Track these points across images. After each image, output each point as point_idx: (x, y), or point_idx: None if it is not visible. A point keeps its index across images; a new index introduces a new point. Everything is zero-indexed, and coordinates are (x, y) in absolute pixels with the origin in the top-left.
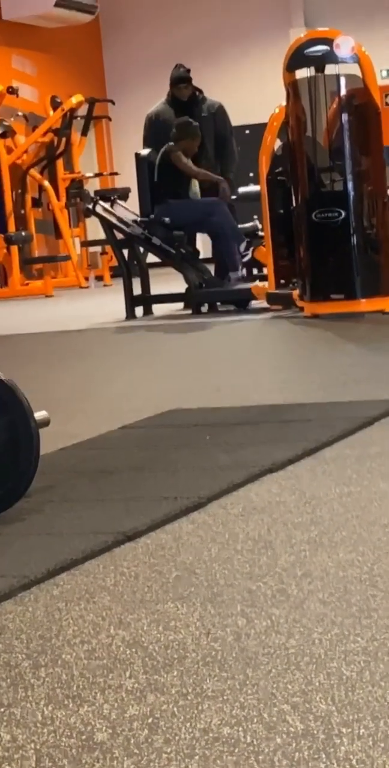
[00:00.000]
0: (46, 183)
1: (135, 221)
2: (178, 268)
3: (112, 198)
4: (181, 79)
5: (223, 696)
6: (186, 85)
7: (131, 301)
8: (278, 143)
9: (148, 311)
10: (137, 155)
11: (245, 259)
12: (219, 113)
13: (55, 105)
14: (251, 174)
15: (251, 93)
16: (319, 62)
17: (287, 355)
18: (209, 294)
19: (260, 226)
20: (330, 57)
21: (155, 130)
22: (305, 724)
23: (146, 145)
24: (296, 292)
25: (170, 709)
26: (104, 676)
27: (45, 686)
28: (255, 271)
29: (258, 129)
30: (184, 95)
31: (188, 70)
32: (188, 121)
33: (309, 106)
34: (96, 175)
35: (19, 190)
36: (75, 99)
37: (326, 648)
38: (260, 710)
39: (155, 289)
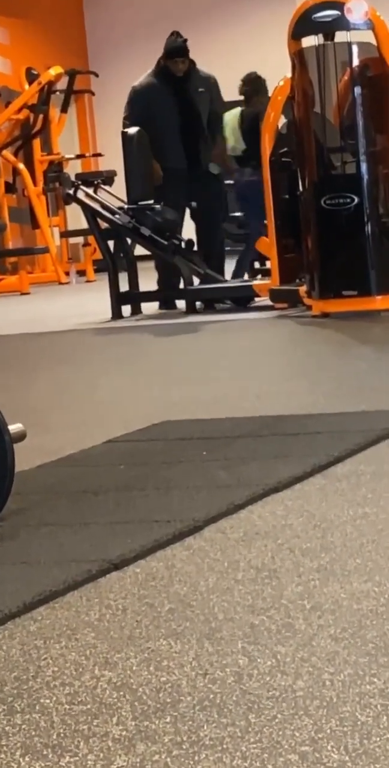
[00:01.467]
0: (21, 166)
1: (122, 209)
2: (170, 262)
3: (95, 182)
4: (178, 51)
5: (222, 745)
6: (183, 59)
7: (118, 299)
8: (282, 120)
9: (136, 310)
10: (124, 134)
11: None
12: (214, 88)
13: (31, 78)
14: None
15: (251, 64)
16: (328, 29)
17: (293, 360)
18: (205, 291)
19: None
20: (341, 23)
21: (140, 107)
22: None
23: (129, 122)
24: (303, 289)
25: (162, 760)
26: (87, 723)
27: (21, 734)
28: (257, 265)
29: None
30: (180, 70)
31: (185, 40)
32: (259, 76)
33: (317, 78)
34: (77, 157)
35: None
36: (53, 71)
37: (338, 690)
38: (265, 761)
39: (145, 286)
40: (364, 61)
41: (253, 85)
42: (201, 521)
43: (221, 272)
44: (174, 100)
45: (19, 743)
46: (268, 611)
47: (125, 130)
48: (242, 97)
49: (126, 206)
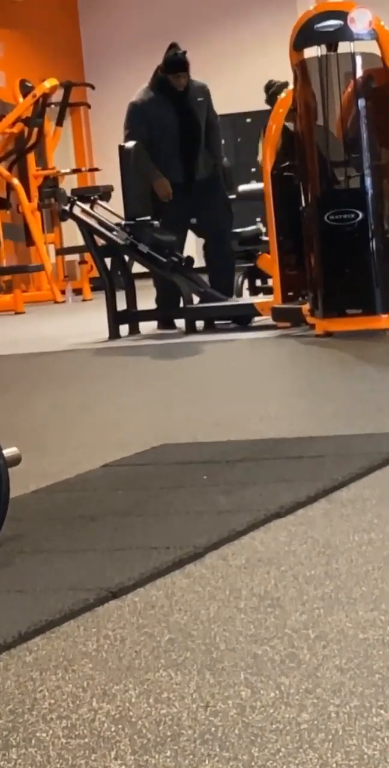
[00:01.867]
0: (15, 181)
1: (119, 225)
2: (169, 280)
3: (92, 198)
4: (179, 65)
5: None
6: (185, 73)
7: (115, 318)
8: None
9: (134, 330)
10: (121, 147)
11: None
12: (208, 97)
13: (26, 90)
14: (253, 169)
15: (252, 76)
16: (331, 39)
17: (296, 380)
18: (205, 309)
19: (264, 230)
20: (344, 33)
21: (140, 122)
22: None
23: (131, 139)
24: (306, 307)
25: None
26: (85, 757)
27: None
28: (259, 283)
29: (261, 117)
30: (181, 84)
31: (185, 53)
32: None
33: (319, 90)
34: (73, 172)
35: None
36: (48, 83)
37: (344, 723)
38: None
39: (143, 304)
40: (368, 72)
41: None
42: (202, 548)
43: (230, 289)
44: (174, 113)
45: None
46: (271, 641)
47: (123, 144)
48: (241, 110)
49: (124, 222)
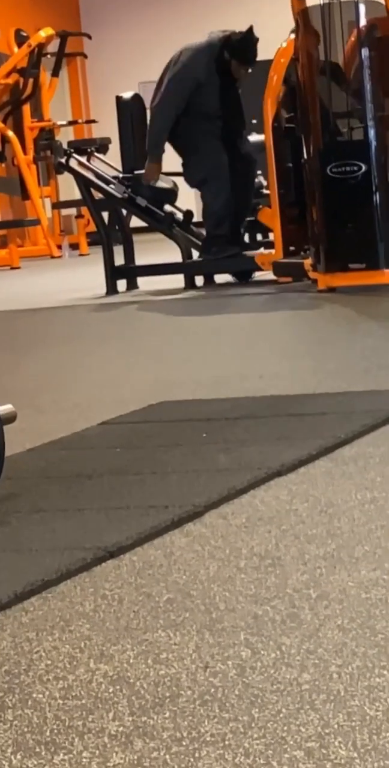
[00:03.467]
0: (10, 133)
1: (117, 178)
2: (168, 235)
3: (89, 150)
4: (249, 60)
5: (224, 741)
6: (248, 68)
7: (113, 274)
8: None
9: (132, 285)
10: (119, 99)
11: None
12: None
13: (21, 40)
14: (254, 120)
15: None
16: None
17: (297, 337)
18: (204, 264)
19: (265, 183)
20: None
21: (186, 90)
22: None
23: (176, 94)
24: (308, 262)
25: (161, 757)
26: (82, 719)
27: (13, 731)
28: (259, 237)
29: (263, 67)
30: (241, 77)
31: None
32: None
33: (322, 39)
34: (69, 123)
35: None
36: (44, 32)
37: (346, 683)
38: (269, 757)
39: (141, 259)
40: (372, 21)
41: None
42: (201, 507)
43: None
44: (220, 98)
45: (11, 740)
46: (272, 601)
47: (119, 95)
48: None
49: (121, 175)
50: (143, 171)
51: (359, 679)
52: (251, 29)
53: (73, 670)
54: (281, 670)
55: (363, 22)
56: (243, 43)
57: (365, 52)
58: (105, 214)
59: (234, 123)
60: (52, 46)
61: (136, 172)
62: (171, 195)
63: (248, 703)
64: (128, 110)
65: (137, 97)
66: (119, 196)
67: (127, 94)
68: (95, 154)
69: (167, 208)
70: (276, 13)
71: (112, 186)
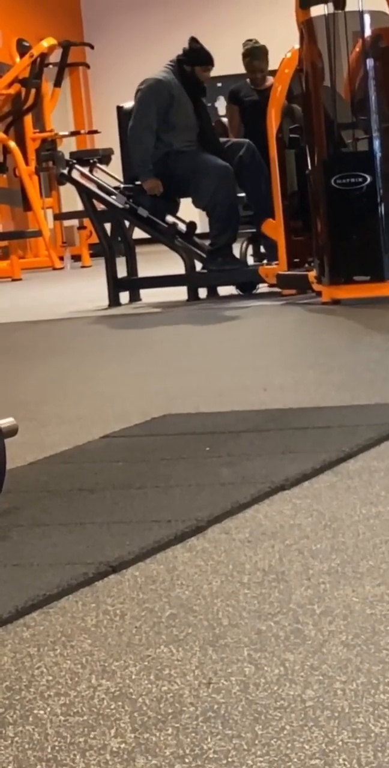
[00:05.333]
0: (12, 144)
1: (118, 188)
2: (171, 246)
3: (91, 161)
4: (209, 59)
5: (227, 758)
6: (212, 68)
7: (115, 285)
8: None
9: (135, 297)
10: (120, 109)
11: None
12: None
13: (23, 50)
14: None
15: (257, 34)
16: None
17: (301, 349)
18: (207, 276)
19: None
20: None
21: (159, 99)
22: None
23: (146, 114)
24: (312, 274)
25: None
26: (84, 735)
27: (13, 748)
28: (263, 249)
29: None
30: (207, 79)
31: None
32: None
33: (327, 50)
34: (72, 134)
35: None
36: (46, 42)
37: (350, 700)
38: None
39: (144, 271)
40: (377, 31)
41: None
42: (204, 521)
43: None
44: (192, 107)
45: (12, 757)
46: (275, 616)
47: (121, 104)
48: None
49: (122, 186)
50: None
51: (364, 696)
52: (192, 39)
53: (74, 686)
54: (284, 687)
55: (367, 32)
56: (195, 50)
57: (370, 62)
58: (108, 226)
59: (210, 134)
60: (55, 56)
61: (137, 182)
62: (173, 205)
63: (252, 719)
64: (129, 120)
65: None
66: (120, 206)
67: (128, 104)
68: (98, 165)
69: (170, 219)
70: (280, 23)
71: (113, 197)
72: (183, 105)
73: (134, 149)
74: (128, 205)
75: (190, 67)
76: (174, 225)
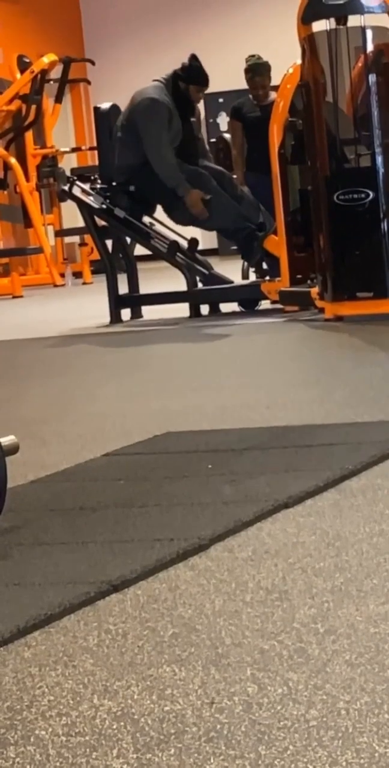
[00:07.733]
0: (12, 160)
1: (94, 188)
2: (173, 263)
3: (92, 177)
4: (206, 82)
5: None
6: (205, 89)
7: (116, 302)
8: None
9: (136, 314)
10: (97, 109)
11: None
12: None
13: (24, 66)
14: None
15: (259, 50)
16: (341, 12)
17: (304, 366)
18: (209, 293)
19: None
20: (354, 6)
21: (166, 122)
22: None
23: (160, 134)
24: (315, 290)
25: None
26: (86, 756)
27: None
28: (265, 266)
29: None
30: (199, 100)
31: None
32: None
33: (329, 65)
34: (73, 150)
35: None
36: (47, 59)
37: (354, 720)
38: None
39: (145, 288)
40: (379, 46)
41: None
42: (207, 539)
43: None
44: (182, 125)
45: None
46: (279, 635)
47: (97, 105)
48: (246, 86)
49: (99, 186)
50: (120, 182)
51: (367, 716)
52: (193, 56)
53: (76, 706)
54: (288, 707)
55: (370, 47)
56: (195, 69)
57: (372, 78)
58: (109, 242)
59: (193, 149)
60: (55, 72)
61: (113, 183)
62: (149, 207)
63: (255, 740)
64: (106, 121)
65: (115, 108)
66: (96, 206)
67: (105, 105)
68: (98, 181)
69: (171, 235)
70: (283, 39)
71: (90, 198)
72: (175, 124)
73: (162, 169)
74: (104, 206)
75: (185, 85)
76: (176, 242)
